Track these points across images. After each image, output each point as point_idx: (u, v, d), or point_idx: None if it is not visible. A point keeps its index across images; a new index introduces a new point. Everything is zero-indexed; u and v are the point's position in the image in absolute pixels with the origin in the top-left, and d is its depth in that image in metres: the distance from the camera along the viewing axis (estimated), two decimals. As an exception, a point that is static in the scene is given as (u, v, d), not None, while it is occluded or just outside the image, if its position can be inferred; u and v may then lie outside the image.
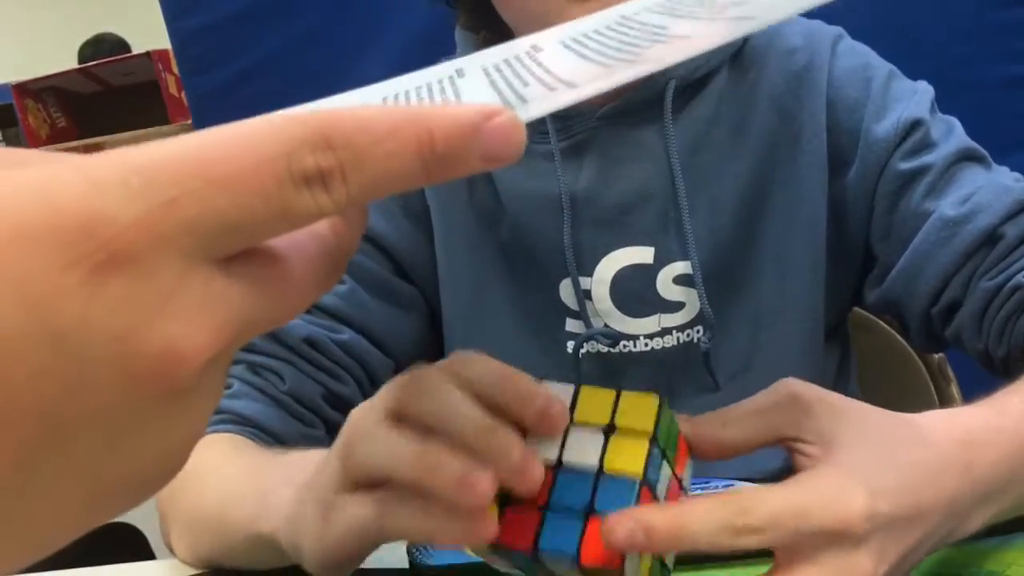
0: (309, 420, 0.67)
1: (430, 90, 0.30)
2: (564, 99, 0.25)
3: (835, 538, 0.35)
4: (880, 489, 0.36)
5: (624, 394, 0.37)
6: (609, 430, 0.37)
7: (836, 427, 0.38)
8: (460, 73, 0.30)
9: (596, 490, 0.35)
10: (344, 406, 0.69)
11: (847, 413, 0.39)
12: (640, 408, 0.37)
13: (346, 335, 0.68)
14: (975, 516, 0.40)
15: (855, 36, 0.72)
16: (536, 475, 0.33)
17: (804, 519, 0.35)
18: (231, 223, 0.21)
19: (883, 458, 0.37)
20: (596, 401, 0.37)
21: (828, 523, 0.35)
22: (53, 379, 0.19)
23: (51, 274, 0.19)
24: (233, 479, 0.53)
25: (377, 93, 0.31)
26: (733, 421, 0.40)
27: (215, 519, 0.53)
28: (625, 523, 0.33)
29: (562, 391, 0.37)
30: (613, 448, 0.36)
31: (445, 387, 0.36)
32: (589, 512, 0.35)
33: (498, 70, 0.29)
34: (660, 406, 0.37)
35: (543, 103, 0.25)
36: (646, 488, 0.35)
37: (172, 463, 0.23)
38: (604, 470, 0.36)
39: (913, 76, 0.70)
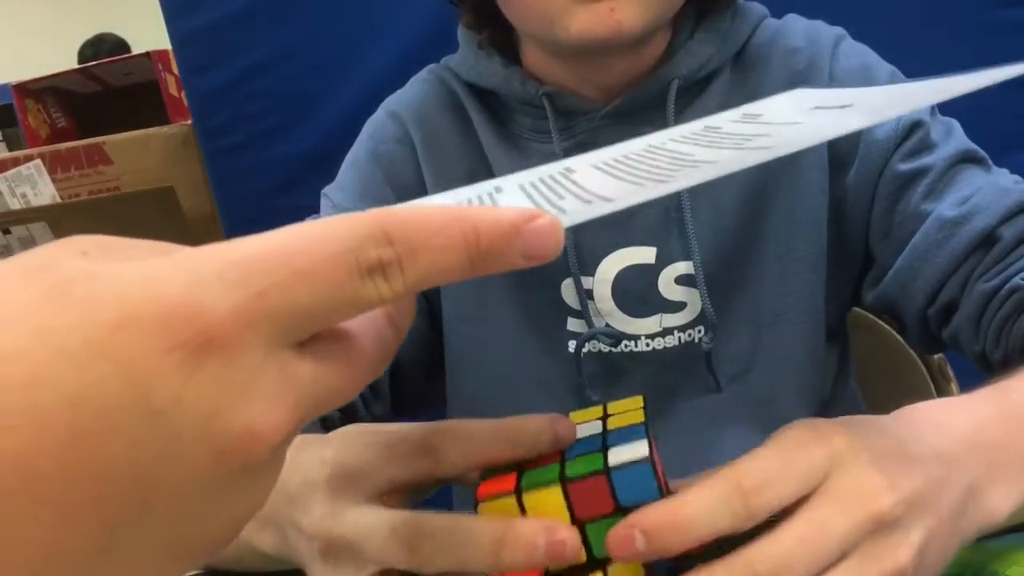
0: None
1: (470, 204, 0.32)
2: (600, 210, 0.28)
3: (829, 468, 0.34)
4: (852, 428, 0.36)
5: (610, 403, 0.40)
6: (604, 418, 0.39)
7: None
8: (498, 190, 0.33)
9: (606, 438, 0.37)
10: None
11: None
12: (627, 404, 0.40)
13: None
14: (992, 483, 0.39)
15: (856, 37, 0.72)
16: (571, 545, 0.33)
17: (796, 459, 0.34)
18: (308, 309, 0.23)
19: (847, 419, 0.37)
20: (585, 413, 0.40)
21: (815, 456, 0.34)
22: (147, 451, 0.21)
23: (153, 356, 0.21)
24: None
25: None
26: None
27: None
28: (620, 531, 0.33)
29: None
30: (612, 422, 0.38)
31: (443, 535, 0.35)
32: (605, 449, 0.36)
33: (534, 187, 0.32)
34: (645, 402, 0.39)
35: (581, 213, 0.28)
36: (652, 439, 0.37)
37: (236, 527, 0.25)
38: (608, 429, 0.38)
39: (913, 76, 0.70)
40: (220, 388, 0.22)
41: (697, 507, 0.33)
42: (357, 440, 0.41)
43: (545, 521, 0.33)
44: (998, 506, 0.39)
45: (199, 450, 0.22)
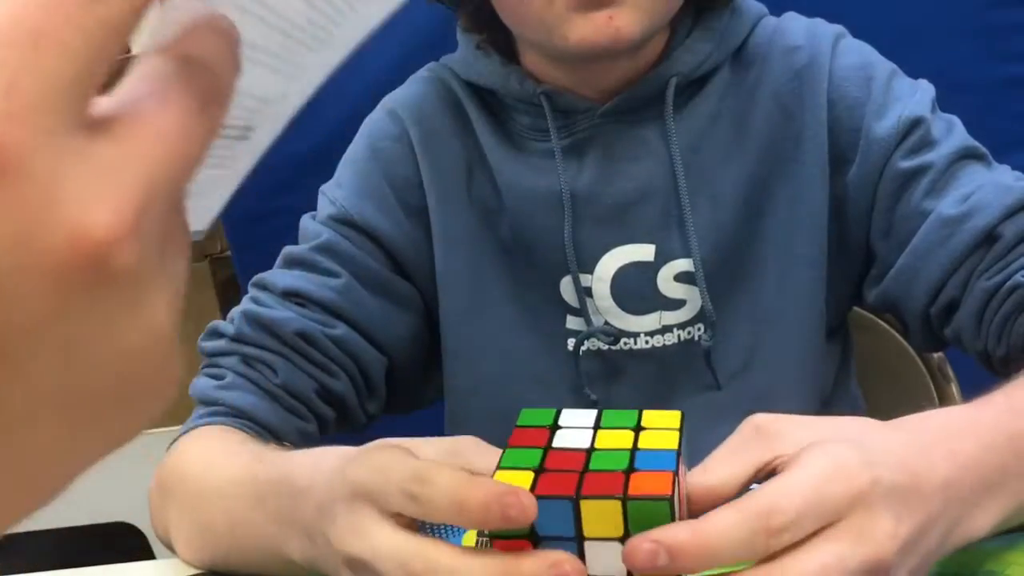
0: (302, 414, 0.67)
1: None
2: None
3: (849, 508, 0.35)
4: (875, 460, 0.36)
5: (646, 412, 0.39)
6: (637, 429, 0.38)
7: (810, 431, 0.39)
8: None
9: (634, 459, 0.37)
10: (336, 401, 0.69)
11: (816, 421, 0.40)
12: (663, 417, 0.39)
13: (340, 330, 0.68)
14: (980, 508, 0.40)
15: (856, 35, 0.72)
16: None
17: (823, 501, 0.35)
18: (70, 73, 0.19)
19: (866, 440, 0.38)
20: (619, 415, 0.39)
21: (840, 496, 0.35)
22: None
23: None
24: (240, 493, 0.52)
25: None
26: (713, 466, 0.41)
27: (226, 536, 0.54)
28: (645, 544, 0.33)
29: (583, 415, 0.40)
30: (644, 438, 0.38)
31: None
32: (630, 471, 0.36)
33: None
34: (682, 418, 0.39)
35: None
36: (682, 466, 0.37)
37: (145, 369, 0.22)
38: (639, 448, 0.37)
39: (913, 76, 0.70)
40: (19, 207, 0.19)
41: (724, 537, 0.34)
42: (375, 458, 0.41)
43: (551, 555, 0.34)
44: (980, 526, 0.40)
45: (32, 281, 0.19)
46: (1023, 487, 0.42)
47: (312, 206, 0.75)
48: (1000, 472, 0.41)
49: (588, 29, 0.61)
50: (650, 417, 0.39)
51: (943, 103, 0.69)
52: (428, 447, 0.42)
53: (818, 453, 0.36)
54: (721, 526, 0.34)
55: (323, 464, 0.44)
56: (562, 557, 0.34)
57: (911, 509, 0.36)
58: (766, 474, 0.39)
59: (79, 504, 1.53)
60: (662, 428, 0.39)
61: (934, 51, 1.12)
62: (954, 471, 0.39)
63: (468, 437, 0.42)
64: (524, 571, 0.34)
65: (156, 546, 0.65)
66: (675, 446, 0.37)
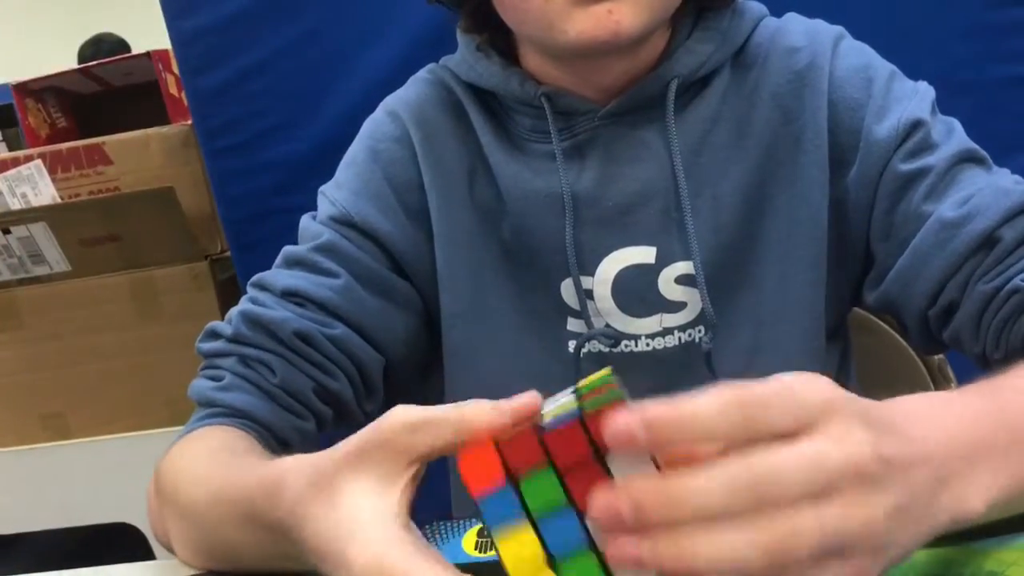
0: (300, 413, 0.67)
1: None
2: None
3: (822, 413, 0.34)
4: (844, 391, 0.35)
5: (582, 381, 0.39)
6: (576, 393, 0.38)
7: None
8: None
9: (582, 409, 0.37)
10: (334, 401, 0.69)
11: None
12: (597, 376, 0.38)
13: (338, 330, 0.68)
14: (969, 481, 0.38)
15: (856, 36, 0.72)
16: None
17: (795, 396, 0.34)
18: None
19: (852, 398, 0.36)
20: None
21: (813, 399, 0.34)
22: None
23: None
24: (232, 495, 0.53)
25: None
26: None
27: (219, 536, 0.54)
28: (619, 422, 0.33)
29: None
30: (587, 395, 0.38)
31: None
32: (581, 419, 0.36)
33: None
34: (612, 372, 0.38)
35: None
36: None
37: None
38: (584, 401, 0.37)
39: (914, 76, 0.70)
40: None
41: (697, 407, 0.33)
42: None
43: None
44: (973, 499, 0.38)
45: None
46: (1016, 465, 0.40)
47: (312, 206, 0.75)
48: (989, 443, 0.39)
49: (588, 23, 0.61)
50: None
51: (943, 104, 0.69)
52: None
53: (791, 373, 0.35)
54: (695, 400, 0.33)
55: (303, 469, 0.44)
56: None
57: (888, 436, 0.35)
58: None
59: (79, 504, 1.53)
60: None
61: (934, 51, 1.12)
62: (938, 439, 0.38)
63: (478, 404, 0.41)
64: None
65: (156, 546, 0.65)
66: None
